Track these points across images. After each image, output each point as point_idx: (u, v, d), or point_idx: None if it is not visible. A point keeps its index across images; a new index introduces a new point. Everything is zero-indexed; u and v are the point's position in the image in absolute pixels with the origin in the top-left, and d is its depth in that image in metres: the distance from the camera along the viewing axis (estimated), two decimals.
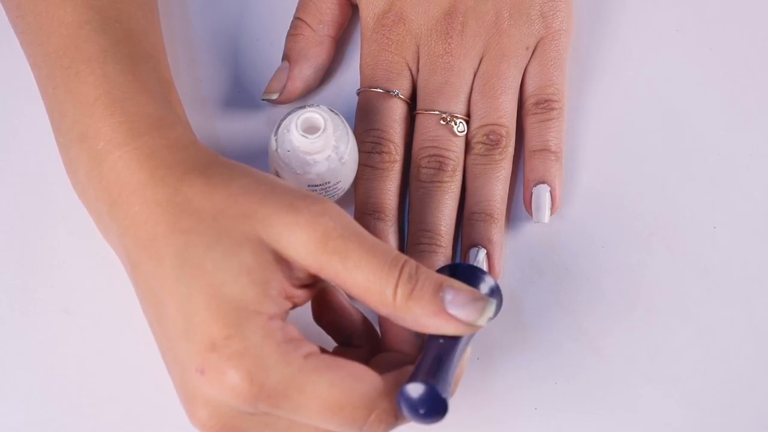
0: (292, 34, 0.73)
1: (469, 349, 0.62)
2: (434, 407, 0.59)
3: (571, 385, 0.69)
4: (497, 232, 0.70)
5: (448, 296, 0.60)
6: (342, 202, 0.71)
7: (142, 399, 0.68)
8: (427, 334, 0.61)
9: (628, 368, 0.70)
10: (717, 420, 0.69)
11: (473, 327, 0.60)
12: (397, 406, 0.59)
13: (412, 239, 0.70)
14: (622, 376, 0.69)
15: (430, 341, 0.61)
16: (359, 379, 0.59)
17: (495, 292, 0.63)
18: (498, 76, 0.71)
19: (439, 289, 0.60)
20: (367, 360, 0.63)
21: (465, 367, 0.62)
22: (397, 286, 0.59)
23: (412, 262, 0.60)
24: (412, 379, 0.59)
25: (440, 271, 0.64)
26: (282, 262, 0.59)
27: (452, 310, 0.59)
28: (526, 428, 0.69)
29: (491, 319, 0.60)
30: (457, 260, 0.71)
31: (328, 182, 0.67)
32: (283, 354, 0.58)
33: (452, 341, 0.61)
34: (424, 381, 0.58)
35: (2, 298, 0.70)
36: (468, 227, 0.70)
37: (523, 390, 0.69)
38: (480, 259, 0.69)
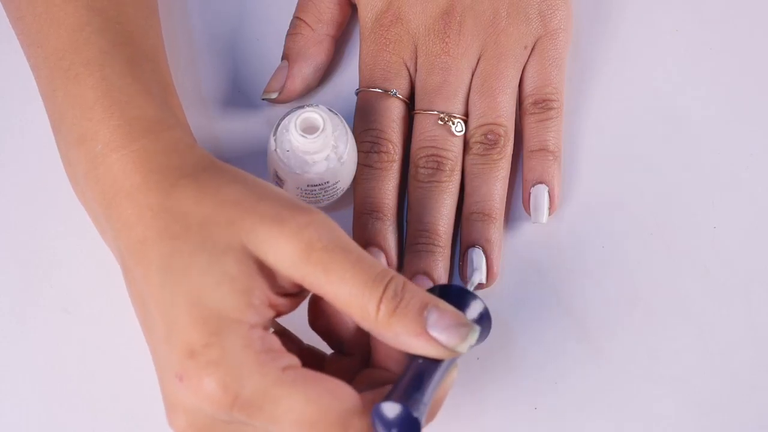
0: (291, 33, 0.73)
1: (455, 372, 0.61)
2: (406, 428, 0.58)
3: (571, 385, 0.69)
4: (496, 231, 0.70)
5: (432, 318, 0.59)
6: (341, 201, 0.71)
7: (142, 399, 0.68)
8: (409, 354, 0.61)
9: (628, 368, 0.70)
10: (717, 420, 0.69)
11: (453, 352, 0.59)
12: (371, 425, 0.59)
13: (410, 239, 0.70)
14: (622, 376, 0.69)
15: (411, 361, 0.60)
16: (336, 397, 0.58)
17: (484, 317, 0.63)
18: (496, 75, 0.71)
19: (424, 308, 0.59)
20: (358, 370, 0.63)
21: (448, 390, 0.61)
22: (380, 301, 0.58)
23: (399, 279, 0.59)
24: (388, 398, 0.58)
25: (431, 291, 0.63)
26: (265, 270, 0.59)
27: (434, 333, 0.59)
28: (526, 428, 0.69)
29: (473, 346, 0.60)
30: (456, 260, 0.71)
31: (327, 182, 0.68)
32: (260, 364, 0.57)
33: (433, 363, 0.60)
34: (398, 400, 0.58)
35: (2, 298, 0.70)
36: (466, 227, 0.70)
37: (523, 390, 0.69)
38: (474, 282, 0.68)
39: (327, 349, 0.65)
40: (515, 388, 0.69)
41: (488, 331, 0.63)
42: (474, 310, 0.62)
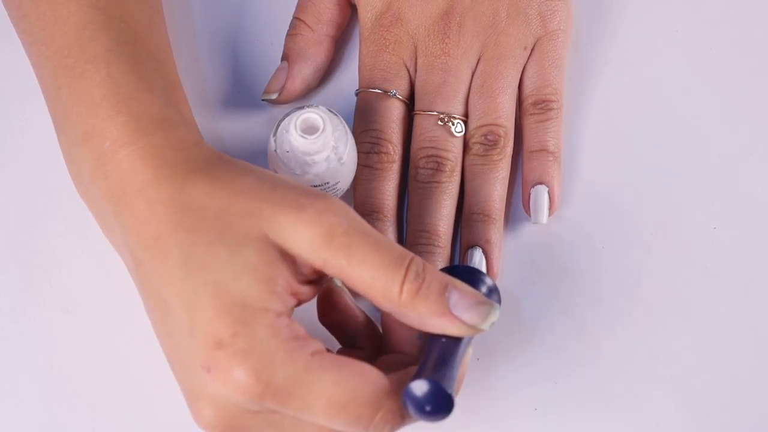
0: (291, 33, 0.73)
1: (470, 350, 0.63)
2: (440, 404, 0.59)
3: (570, 385, 0.69)
4: (496, 232, 0.70)
5: (454, 298, 0.60)
6: None
7: (142, 399, 0.69)
8: (429, 334, 0.61)
9: (628, 368, 0.70)
10: (717, 420, 0.69)
11: (476, 330, 0.60)
12: (402, 405, 0.59)
13: (410, 239, 0.70)
14: (622, 376, 0.69)
15: (433, 341, 0.61)
16: (365, 379, 0.59)
17: (493, 292, 0.64)
18: (496, 76, 0.71)
19: (445, 289, 0.60)
20: (369, 362, 0.63)
21: (467, 368, 0.63)
22: (403, 283, 0.59)
23: (419, 260, 0.60)
24: (416, 377, 0.59)
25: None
26: (287, 258, 0.59)
27: (457, 312, 0.60)
28: (525, 428, 0.69)
29: (494, 323, 0.61)
30: (456, 261, 0.71)
31: (327, 183, 0.67)
32: (289, 351, 0.58)
33: (454, 341, 0.61)
34: (428, 378, 0.59)
35: (2, 298, 0.70)
36: (466, 228, 0.70)
37: (523, 390, 0.69)
38: (476, 260, 0.69)
39: (334, 347, 0.65)
40: (515, 388, 0.69)
41: (499, 305, 0.63)
42: (484, 286, 0.63)
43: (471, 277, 0.63)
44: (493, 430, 0.69)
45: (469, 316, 0.60)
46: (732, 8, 0.76)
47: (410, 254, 0.60)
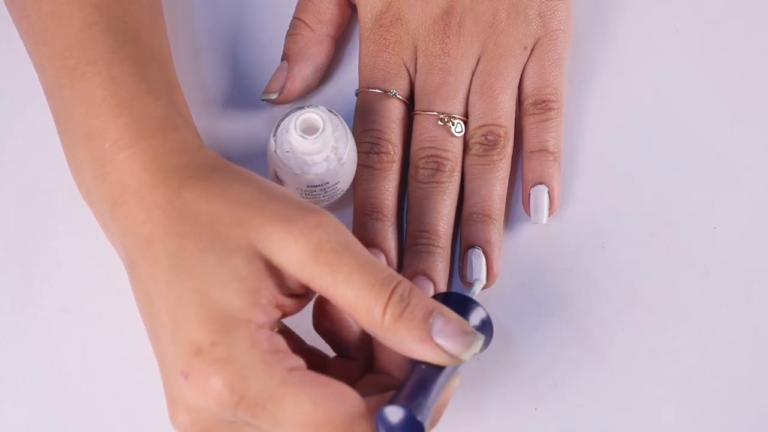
0: (291, 33, 0.73)
1: (456, 380, 0.62)
2: (411, 431, 0.58)
3: (570, 386, 0.69)
4: (495, 232, 0.70)
5: (437, 324, 0.59)
6: (341, 202, 0.71)
7: (142, 399, 0.68)
8: (413, 360, 0.61)
9: (628, 368, 0.70)
10: (717, 420, 0.69)
11: (456, 360, 0.60)
12: (375, 429, 0.59)
13: (410, 239, 0.70)
14: (622, 377, 0.69)
15: (415, 367, 0.61)
16: (341, 400, 0.58)
17: (485, 324, 0.63)
18: (496, 76, 0.71)
19: (429, 315, 0.59)
20: (361, 374, 0.64)
21: (450, 396, 0.62)
22: (387, 305, 0.59)
23: (406, 284, 0.59)
24: (392, 402, 0.58)
25: (433, 298, 0.63)
26: (273, 270, 0.59)
27: (438, 339, 0.59)
28: (525, 428, 0.69)
29: (476, 355, 0.60)
30: (456, 261, 0.71)
31: (327, 183, 0.67)
32: (267, 365, 0.57)
33: (435, 369, 0.60)
34: (401, 404, 0.58)
35: (2, 298, 0.70)
36: (466, 228, 0.70)
37: (523, 390, 0.69)
38: (476, 291, 0.68)
39: (330, 352, 0.65)
40: (515, 388, 0.69)
41: (490, 339, 0.63)
42: (476, 317, 0.63)
43: (465, 306, 0.63)
44: (493, 430, 0.69)
45: (451, 344, 0.59)
46: (732, 8, 0.76)
47: (398, 277, 0.59)
